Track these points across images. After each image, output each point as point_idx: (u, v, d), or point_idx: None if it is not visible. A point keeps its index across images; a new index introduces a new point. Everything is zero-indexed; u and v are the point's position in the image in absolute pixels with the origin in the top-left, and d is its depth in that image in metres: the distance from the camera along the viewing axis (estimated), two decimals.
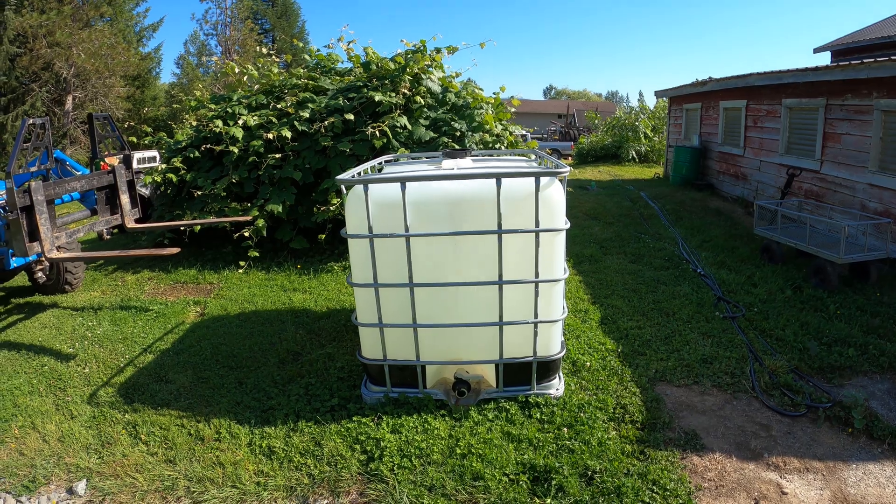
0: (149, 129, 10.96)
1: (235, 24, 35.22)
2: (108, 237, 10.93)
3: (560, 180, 3.80)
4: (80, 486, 3.58)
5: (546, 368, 4.05)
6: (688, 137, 15.96)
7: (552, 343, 4.00)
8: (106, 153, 13.47)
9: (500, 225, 3.61)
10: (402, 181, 3.55)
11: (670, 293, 6.35)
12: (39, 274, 7.55)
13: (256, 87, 9.70)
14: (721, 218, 10.52)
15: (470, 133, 8.32)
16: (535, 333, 3.88)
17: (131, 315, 6.52)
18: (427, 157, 5.75)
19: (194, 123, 9.33)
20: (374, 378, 4.22)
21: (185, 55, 36.54)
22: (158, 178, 8.84)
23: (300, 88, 9.12)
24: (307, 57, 10.23)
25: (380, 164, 5.20)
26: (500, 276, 3.71)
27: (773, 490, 3.30)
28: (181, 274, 8.07)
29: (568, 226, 3.82)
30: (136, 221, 7.03)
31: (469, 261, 3.77)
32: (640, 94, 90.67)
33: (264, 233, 8.03)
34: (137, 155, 23.18)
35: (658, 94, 18.93)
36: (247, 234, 7.98)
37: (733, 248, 8.20)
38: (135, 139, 13.49)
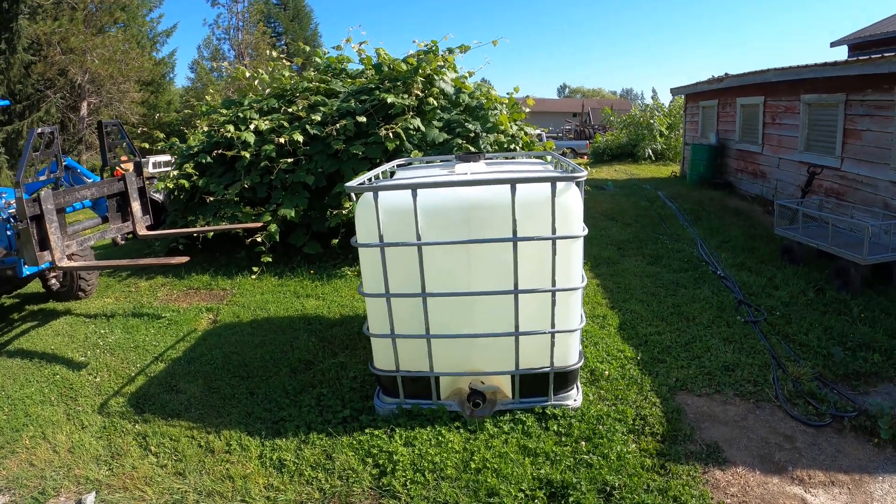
0: (161, 135, 11.00)
1: (248, 27, 35.34)
2: (123, 242, 10.93)
3: (577, 185, 3.67)
4: (90, 499, 3.54)
5: (564, 379, 3.93)
6: (705, 135, 15.72)
7: (570, 353, 3.87)
8: (124, 158, 13.48)
9: (515, 232, 3.48)
10: (413, 188, 3.44)
11: (690, 296, 6.20)
12: (53, 281, 7.55)
13: (268, 90, 9.66)
14: (740, 217, 10.31)
15: (484, 134, 8.21)
16: (553, 344, 3.75)
17: (143, 322, 6.49)
18: (441, 161, 5.63)
19: (205, 129, 9.30)
20: (386, 389, 4.12)
21: (200, 59, 36.78)
22: (171, 185, 8.82)
23: (311, 91, 9.06)
24: (318, 59, 10.16)
25: (392, 168, 5.10)
26: (516, 284, 3.59)
27: None
28: (194, 280, 8.04)
29: (585, 232, 3.70)
30: (148, 228, 7.00)
31: (483, 269, 3.65)
32: (654, 92, 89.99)
33: (277, 238, 7.97)
34: (153, 159, 23.30)
35: (674, 91, 18.70)
36: (259, 240, 7.92)
37: (753, 248, 8.01)
38: (147, 145, 13.53)
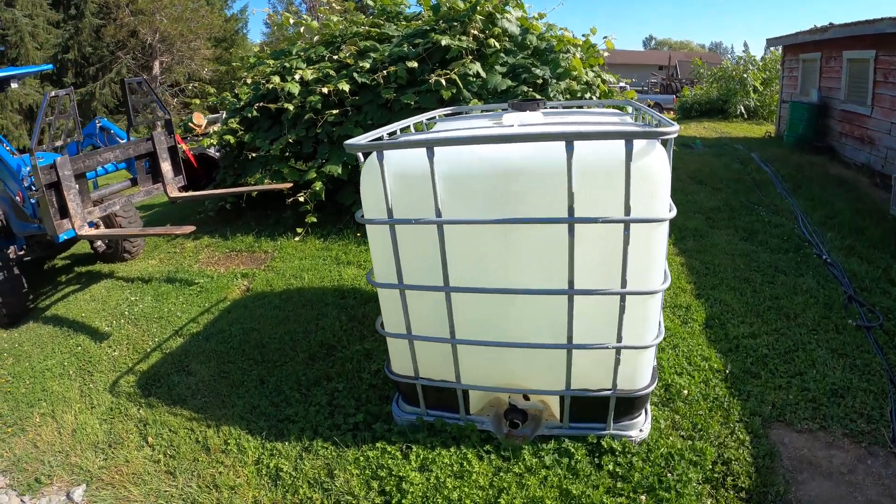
0: (212, 90, 10.56)
1: None
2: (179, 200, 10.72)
3: (663, 144, 2.63)
4: (78, 493, 3.40)
5: (629, 404, 3.00)
6: (805, 92, 13.88)
7: (639, 374, 2.92)
8: (198, 115, 13.39)
9: (571, 210, 2.50)
10: (430, 145, 2.54)
11: (791, 286, 5.08)
12: (98, 242, 7.47)
13: (316, 38, 8.93)
14: (844, 189, 8.81)
15: (554, 81, 7.15)
16: (617, 361, 2.81)
17: (175, 289, 6.16)
18: (503, 110, 4.68)
19: (249, 81, 8.74)
20: (406, 396, 3.38)
21: (273, 13, 36.61)
22: (215, 141, 8.36)
23: (361, 37, 8.25)
24: (370, 2, 9.32)
25: (433, 119, 4.25)
26: (571, 282, 2.64)
27: None
28: (238, 241, 7.65)
29: (673, 214, 2.66)
30: (182, 189, 6.59)
31: (527, 257, 2.74)
32: (745, 45, 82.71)
33: (322, 196, 7.35)
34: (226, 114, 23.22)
35: (770, 41, 16.65)
36: (302, 199, 7.33)
37: (862, 228, 6.64)
38: (198, 101, 13.35)
